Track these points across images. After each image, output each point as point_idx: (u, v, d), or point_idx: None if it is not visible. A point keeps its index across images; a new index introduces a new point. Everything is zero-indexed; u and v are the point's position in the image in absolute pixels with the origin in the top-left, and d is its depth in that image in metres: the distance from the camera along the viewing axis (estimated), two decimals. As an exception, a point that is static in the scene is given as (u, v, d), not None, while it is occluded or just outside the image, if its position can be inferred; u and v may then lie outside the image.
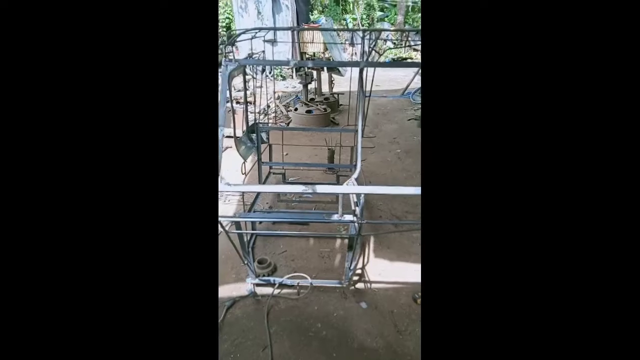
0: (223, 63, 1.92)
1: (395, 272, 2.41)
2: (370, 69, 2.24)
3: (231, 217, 1.84)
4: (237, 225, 1.96)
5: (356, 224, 1.73)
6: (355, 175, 1.72)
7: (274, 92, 5.47)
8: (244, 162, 2.60)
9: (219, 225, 1.75)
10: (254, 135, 2.92)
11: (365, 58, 2.22)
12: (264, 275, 2.31)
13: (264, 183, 3.18)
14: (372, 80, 2.36)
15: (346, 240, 2.62)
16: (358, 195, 1.67)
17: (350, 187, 1.60)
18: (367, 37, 2.72)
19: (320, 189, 1.62)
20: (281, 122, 5.42)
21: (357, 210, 1.65)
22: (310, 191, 1.52)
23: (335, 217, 1.74)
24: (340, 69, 6.42)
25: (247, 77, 2.80)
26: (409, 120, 5.57)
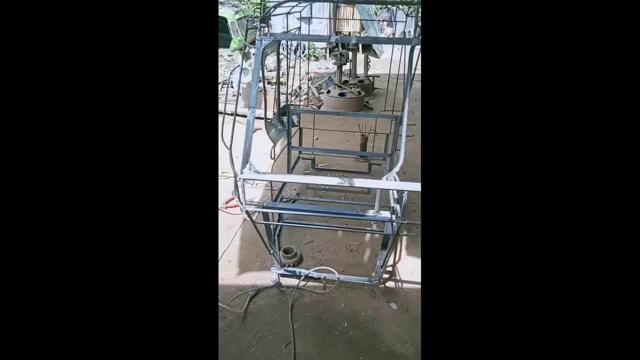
0: (257, 38, 1.76)
1: (429, 272, 2.23)
2: (416, 49, 2.00)
3: (258, 205, 1.73)
4: (265, 214, 1.85)
5: (394, 224, 1.56)
6: (397, 168, 1.54)
7: (307, 73, 5.26)
8: (273, 147, 2.48)
9: (246, 214, 1.65)
10: (284, 118, 2.78)
11: (416, 35, 1.97)
12: (289, 266, 2.22)
13: (292, 168, 3.06)
14: (417, 61, 2.12)
15: (376, 234, 2.46)
16: (400, 191, 1.49)
17: (390, 182, 1.42)
18: (415, 13, 2.45)
19: (357, 182, 1.46)
20: (312, 104, 5.23)
21: (398, 208, 1.48)
22: (346, 184, 1.37)
23: (371, 213, 1.58)
24: (376, 50, 6.07)
25: (280, 56, 2.64)
26: (449, 107, 5.20)
